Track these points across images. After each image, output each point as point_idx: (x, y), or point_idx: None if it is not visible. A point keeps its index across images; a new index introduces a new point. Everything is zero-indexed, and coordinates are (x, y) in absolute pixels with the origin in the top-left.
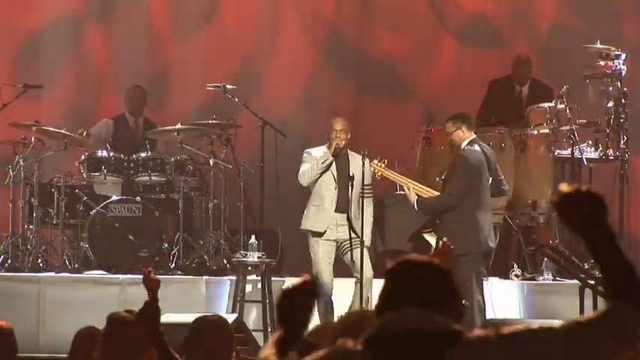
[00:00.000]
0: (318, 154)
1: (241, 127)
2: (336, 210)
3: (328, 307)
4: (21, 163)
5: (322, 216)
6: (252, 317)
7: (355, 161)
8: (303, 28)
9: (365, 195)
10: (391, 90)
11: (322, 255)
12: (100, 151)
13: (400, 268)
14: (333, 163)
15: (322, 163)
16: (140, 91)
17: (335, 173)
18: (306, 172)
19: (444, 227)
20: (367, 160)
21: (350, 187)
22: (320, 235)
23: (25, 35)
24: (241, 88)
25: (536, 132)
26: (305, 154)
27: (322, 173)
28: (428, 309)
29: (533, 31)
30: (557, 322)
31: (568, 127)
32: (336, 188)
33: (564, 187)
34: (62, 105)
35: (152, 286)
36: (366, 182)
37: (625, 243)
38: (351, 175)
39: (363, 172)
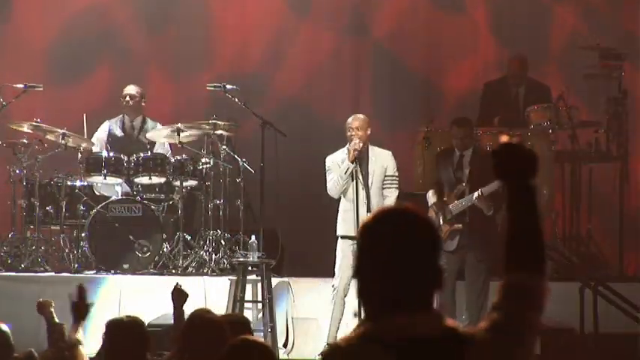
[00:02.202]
0: (340, 158)
1: (241, 127)
2: (368, 211)
3: (342, 309)
4: (22, 162)
5: (355, 219)
6: (252, 317)
7: (376, 156)
8: (303, 23)
9: (386, 186)
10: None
11: (348, 257)
12: (100, 151)
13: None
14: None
15: (345, 173)
16: (140, 91)
17: (360, 175)
18: (333, 186)
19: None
20: (390, 153)
21: (369, 184)
22: (353, 238)
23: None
24: (241, 87)
25: (536, 132)
26: (328, 163)
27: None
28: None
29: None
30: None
31: (568, 127)
32: (363, 189)
33: (505, 138)
34: (64, 104)
35: (179, 300)
36: (389, 173)
37: (624, 242)
38: (364, 173)
39: (384, 165)
